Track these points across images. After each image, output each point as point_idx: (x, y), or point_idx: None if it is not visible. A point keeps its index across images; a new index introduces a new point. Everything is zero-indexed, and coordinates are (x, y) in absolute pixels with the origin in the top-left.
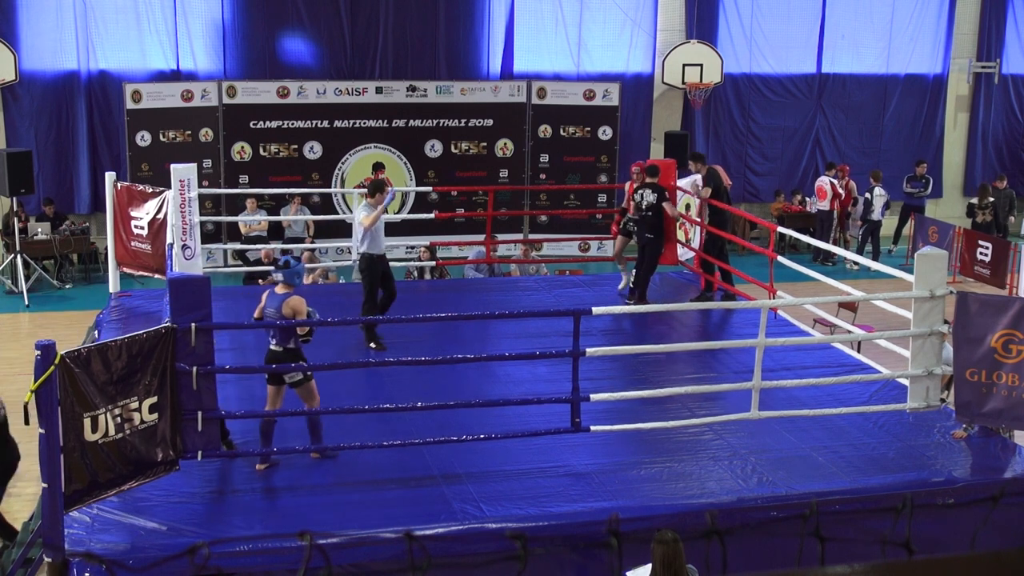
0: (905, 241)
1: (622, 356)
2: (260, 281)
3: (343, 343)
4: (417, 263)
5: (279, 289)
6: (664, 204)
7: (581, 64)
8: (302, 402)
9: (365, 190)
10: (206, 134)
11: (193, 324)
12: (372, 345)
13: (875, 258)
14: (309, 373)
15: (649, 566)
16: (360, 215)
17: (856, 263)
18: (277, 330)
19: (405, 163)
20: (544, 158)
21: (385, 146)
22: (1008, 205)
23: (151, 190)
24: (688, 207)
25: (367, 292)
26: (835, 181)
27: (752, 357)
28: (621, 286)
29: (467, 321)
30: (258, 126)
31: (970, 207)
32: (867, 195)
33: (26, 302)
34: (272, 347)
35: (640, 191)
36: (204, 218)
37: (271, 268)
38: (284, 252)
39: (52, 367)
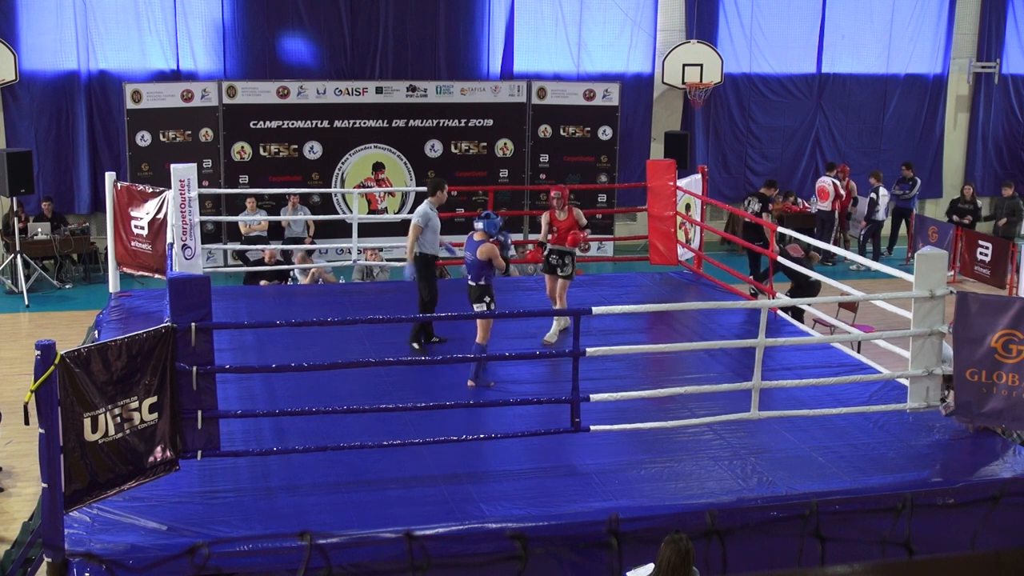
0: (902, 243)
1: (622, 356)
2: (261, 282)
3: (344, 342)
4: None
5: (477, 236)
6: (764, 213)
7: (581, 64)
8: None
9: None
10: (206, 134)
11: (193, 324)
12: (415, 346)
13: (875, 258)
14: (492, 306)
15: (650, 566)
16: (416, 219)
17: (862, 264)
18: (471, 267)
19: (405, 163)
20: (544, 158)
21: (385, 146)
22: (1015, 213)
23: (151, 190)
24: (688, 207)
25: (428, 292)
26: (836, 182)
27: (752, 357)
28: (547, 336)
29: (467, 321)
30: (258, 126)
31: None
32: (872, 195)
33: (26, 302)
34: (469, 283)
35: (747, 199)
36: (204, 218)
37: (271, 268)
38: (284, 253)
39: (52, 367)
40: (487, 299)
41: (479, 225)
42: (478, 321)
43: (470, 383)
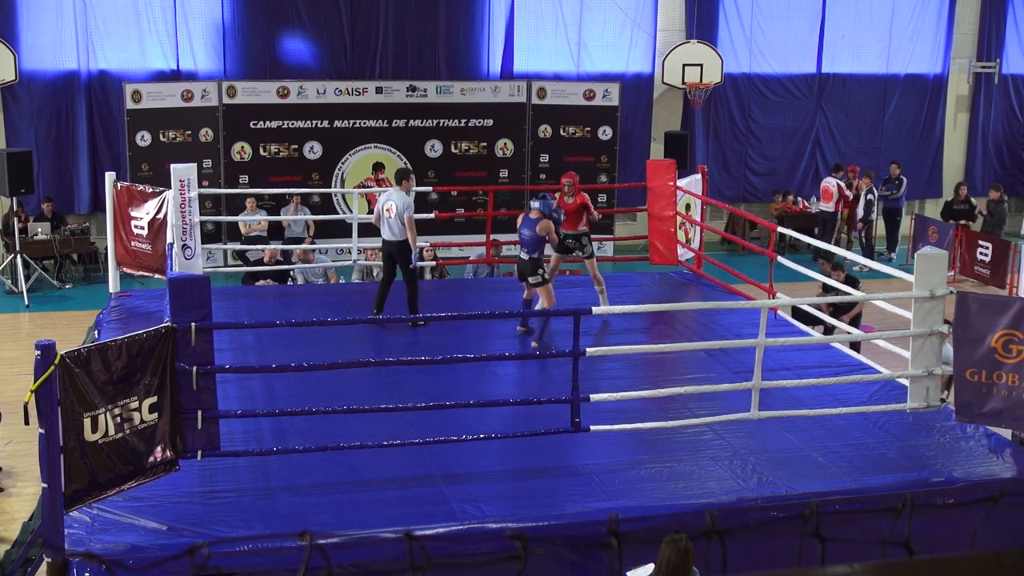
0: (904, 242)
1: (622, 356)
2: (259, 282)
3: (344, 342)
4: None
5: (533, 215)
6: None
7: (581, 64)
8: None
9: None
10: (206, 134)
11: (193, 324)
12: (422, 323)
13: (872, 257)
14: (546, 277)
15: (650, 566)
16: (398, 206)
17: (866, 265)
18: (528, 242)
19: (405, 163)
20: (544, 158)
21: (385, 146)
22: (1000, 219)
23: (151, 190)
24: (688, 207)
25: (410, 276)
26: (841, 183)
27: (752, 357)
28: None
29: (467, 321)
30: (258, 126)
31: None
32: (870, 196)
33: (26, 302)
34: (522, 256)
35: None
36: (204, 218)
37: (271, 268)
38: (284, 253)
39: (52, 367)
40: (540, 271)
41: (535, 204)
42: (539, 290)
43: (533, 344)
